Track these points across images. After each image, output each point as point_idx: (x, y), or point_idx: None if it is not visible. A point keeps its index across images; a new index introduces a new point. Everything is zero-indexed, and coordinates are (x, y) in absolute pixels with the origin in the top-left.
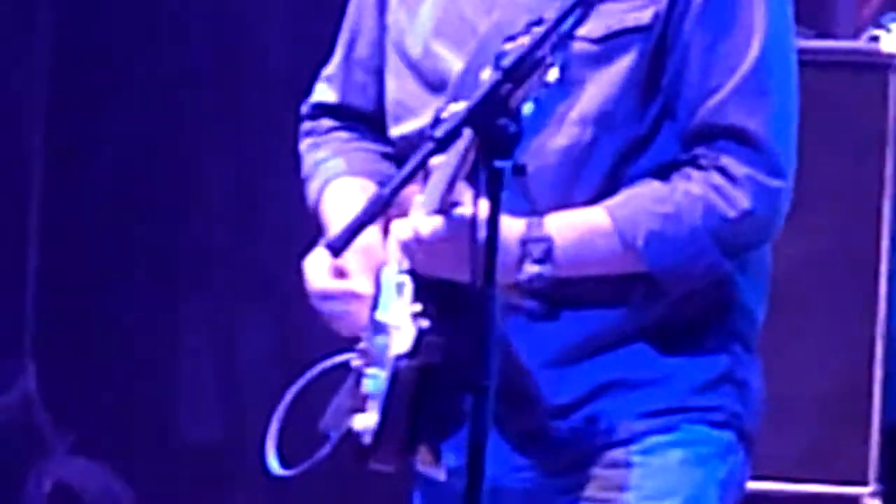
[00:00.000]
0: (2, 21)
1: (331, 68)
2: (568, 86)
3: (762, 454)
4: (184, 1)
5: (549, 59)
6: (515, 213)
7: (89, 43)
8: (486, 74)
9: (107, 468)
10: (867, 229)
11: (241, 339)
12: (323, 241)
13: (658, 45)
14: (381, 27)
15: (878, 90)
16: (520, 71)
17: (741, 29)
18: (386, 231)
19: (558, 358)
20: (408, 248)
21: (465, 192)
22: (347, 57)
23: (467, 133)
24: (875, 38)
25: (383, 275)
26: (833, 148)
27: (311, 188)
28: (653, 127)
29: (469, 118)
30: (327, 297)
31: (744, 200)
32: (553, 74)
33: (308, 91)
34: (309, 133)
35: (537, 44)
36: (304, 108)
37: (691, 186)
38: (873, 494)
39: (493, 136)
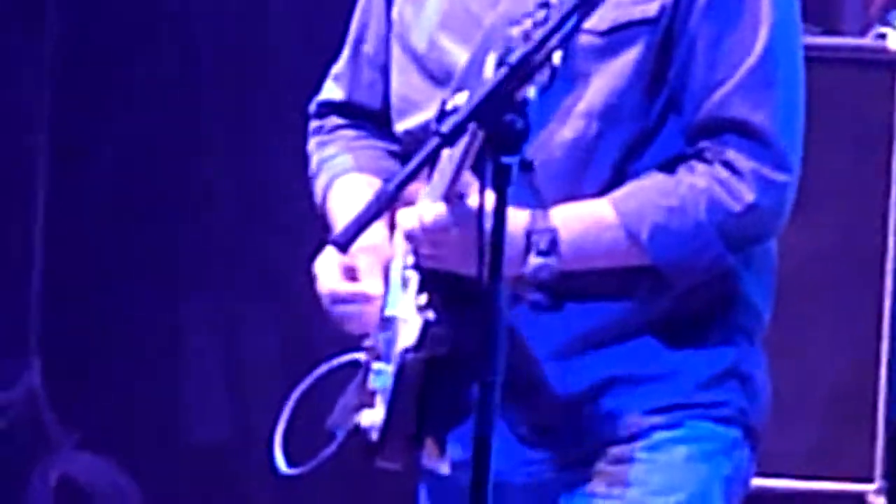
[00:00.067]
0: (7, 23)
1: (339, 66)
2: (573, 79)
3: (767, 451)
4: (189, 1)
5: (553, 44)
6: (521, 205)
7: (95, 44)
8: (491, 64)
9: (112, 464)
10: (873, 226)
11: (246, 336)
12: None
13: (664, 38)
14: (388, 23)
15: (884, 87)
16: (526, 67)
17: (747, 22)
18: (392, 227)
19: (563, 349)
20: (413, 237)
21: (471, 183)
22: (355, 54)
23: (472, 126)
24: (882, 36)
25: (390, 270)
26: (839, 145)
27: (318, 185)
28: (658, 120)
29: (475, 114)
30: (339, 299)
31: (749, 194)
32: (557, 57)
33: (316, 90)
34: (316, 131)
35: (543, 41)
36: (312, 107)
37: (696, 180)
38: (878, 491)
39: (500, 132)
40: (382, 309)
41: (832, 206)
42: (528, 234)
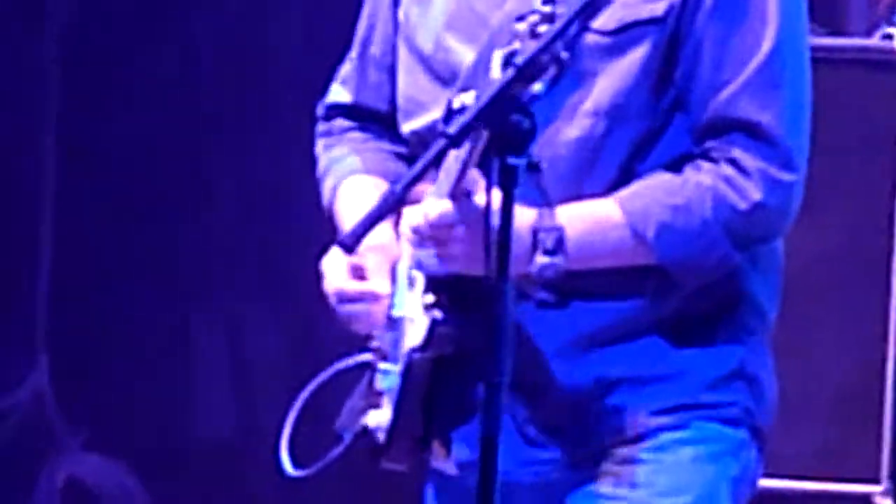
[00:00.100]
0: (13, 24)
1: (346, 69)
2: (580, 77)
3: (774, 452)
4: (189, 1)
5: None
6: (527, 204)
7: (95, 43)
8: (497, 64)
9: (120, 464)
10: (879, 227)
11: (253, 336)
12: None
13: (671, 37)
14: (395, 24)
15: (890, 88)
16: (533, 68)
17: (754, 22)
18: (399, 228)
19: (569, 348)
20: (419, 234)
21: (477, 181)
22: (362, 56)
23: (478, 126)
24: (888, 36)
25: (397, 270)
26: (845, 146)
27: (326, 187)
28: (665, 120)
29: (482, 115)
30: (346, 298)
31: (755, 192)
32: (564, 54)
33: (316, 90)
34: (324, 134)
35: (550, 42)
36: (320, 110)
37: (702, 178)
38: (885, 493)
39: (506, 134)
40: (389, 309)
41: (839, 207)
42: (535, 233)
